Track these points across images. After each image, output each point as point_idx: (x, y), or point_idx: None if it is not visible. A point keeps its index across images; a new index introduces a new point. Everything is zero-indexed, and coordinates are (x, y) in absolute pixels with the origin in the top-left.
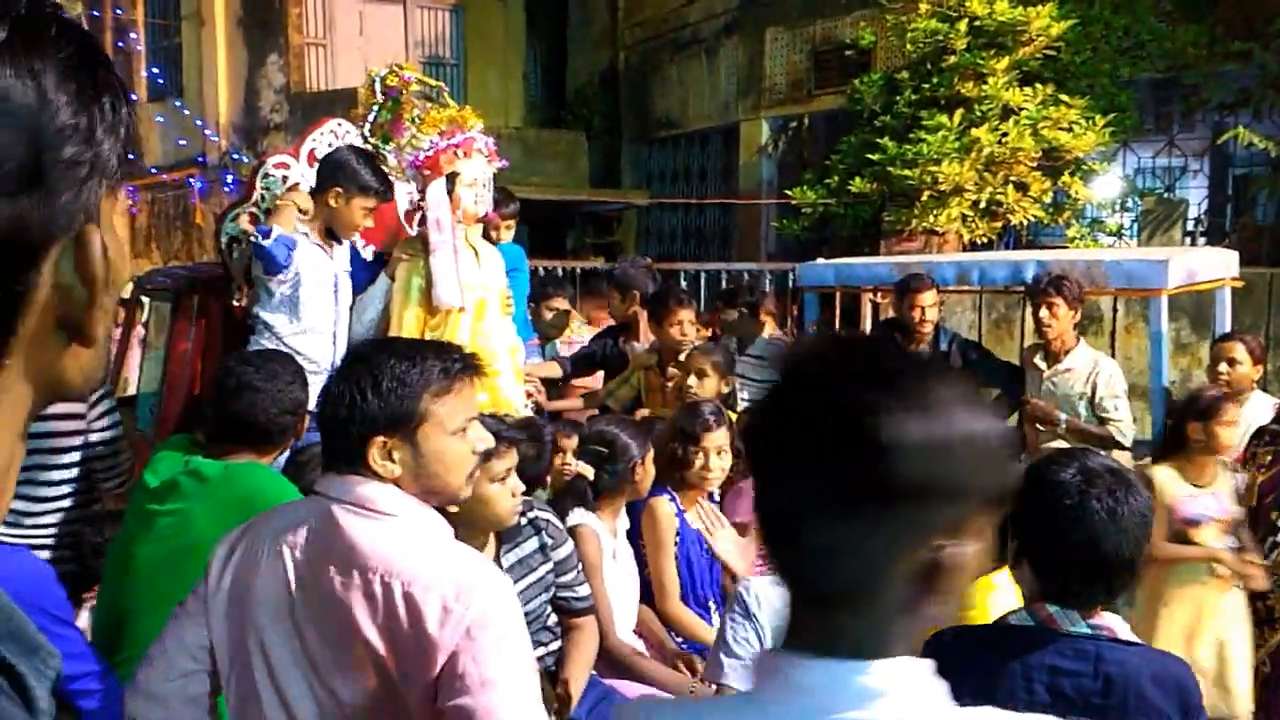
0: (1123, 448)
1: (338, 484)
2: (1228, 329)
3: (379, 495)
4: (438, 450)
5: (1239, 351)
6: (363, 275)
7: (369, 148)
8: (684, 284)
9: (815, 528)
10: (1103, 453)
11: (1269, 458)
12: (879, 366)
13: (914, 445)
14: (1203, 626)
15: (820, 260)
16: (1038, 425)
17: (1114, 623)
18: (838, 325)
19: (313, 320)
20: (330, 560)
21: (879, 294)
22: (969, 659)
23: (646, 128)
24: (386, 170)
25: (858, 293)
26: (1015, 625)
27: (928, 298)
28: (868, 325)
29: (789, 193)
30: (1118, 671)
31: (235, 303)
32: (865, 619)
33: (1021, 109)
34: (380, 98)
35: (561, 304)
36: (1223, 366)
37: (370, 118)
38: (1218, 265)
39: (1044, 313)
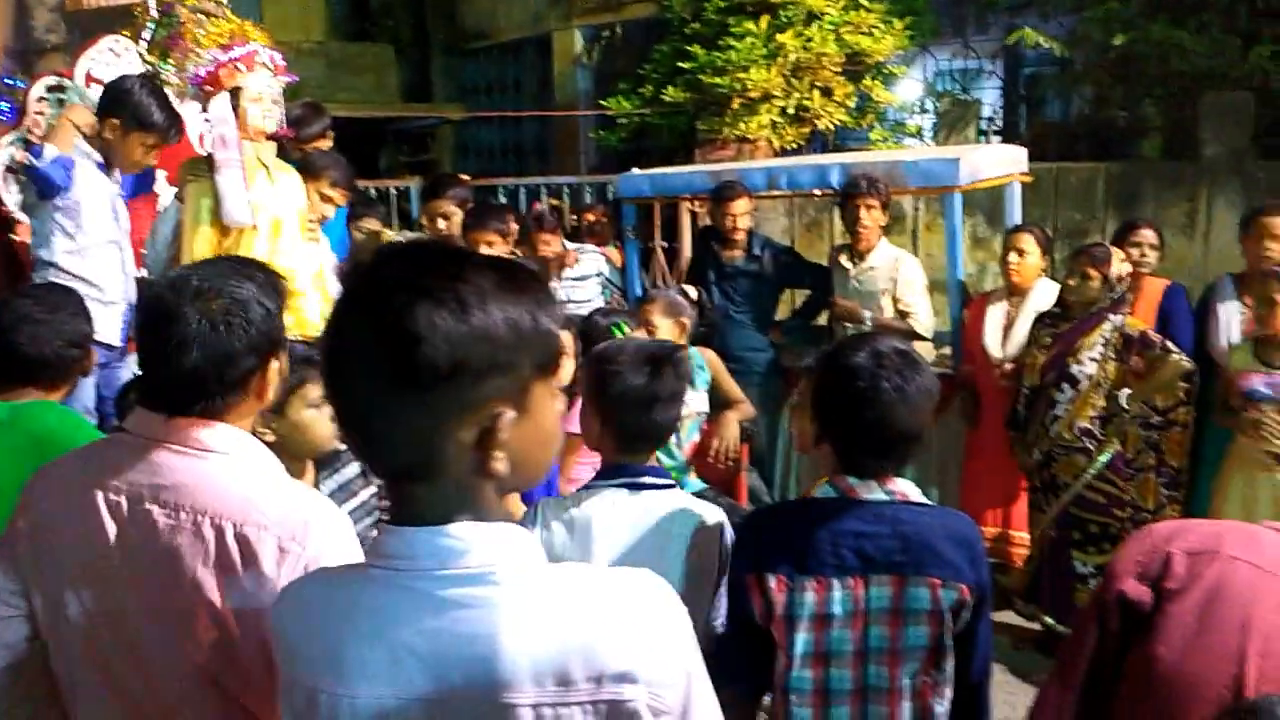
0: (923, 339)
1: (158, 422)
2: (1018, 222)
3: (207, 432)
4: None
5: (1027, 242)
6: None
7: (149, 69)
8: (504, 199)
9: (371, 413)
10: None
11: (1049, 339)
12: (410, 268)
13: (439, 334)
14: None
15: (636, 171)
16: (845, 323)
17: (906, 487)
18: (657, 235)
19: (94, 236)
20: (154, 504)
21: (696, 202)
22: (785, 531)
23: (457, 39)
24: (170, 92)
25: (677, 202)
26: (820, 498)
27: (740, 205)
28: (687, 234)
29: (605, 104)
30: (913, 530)
31: (14, 237)
32: (435, 488)
33: (824, 14)
34: (155, 14)
35: (373, 224)
36: (1012, 257)
37: (146, 35)
38: (1007, 161)
39: (862, 213)
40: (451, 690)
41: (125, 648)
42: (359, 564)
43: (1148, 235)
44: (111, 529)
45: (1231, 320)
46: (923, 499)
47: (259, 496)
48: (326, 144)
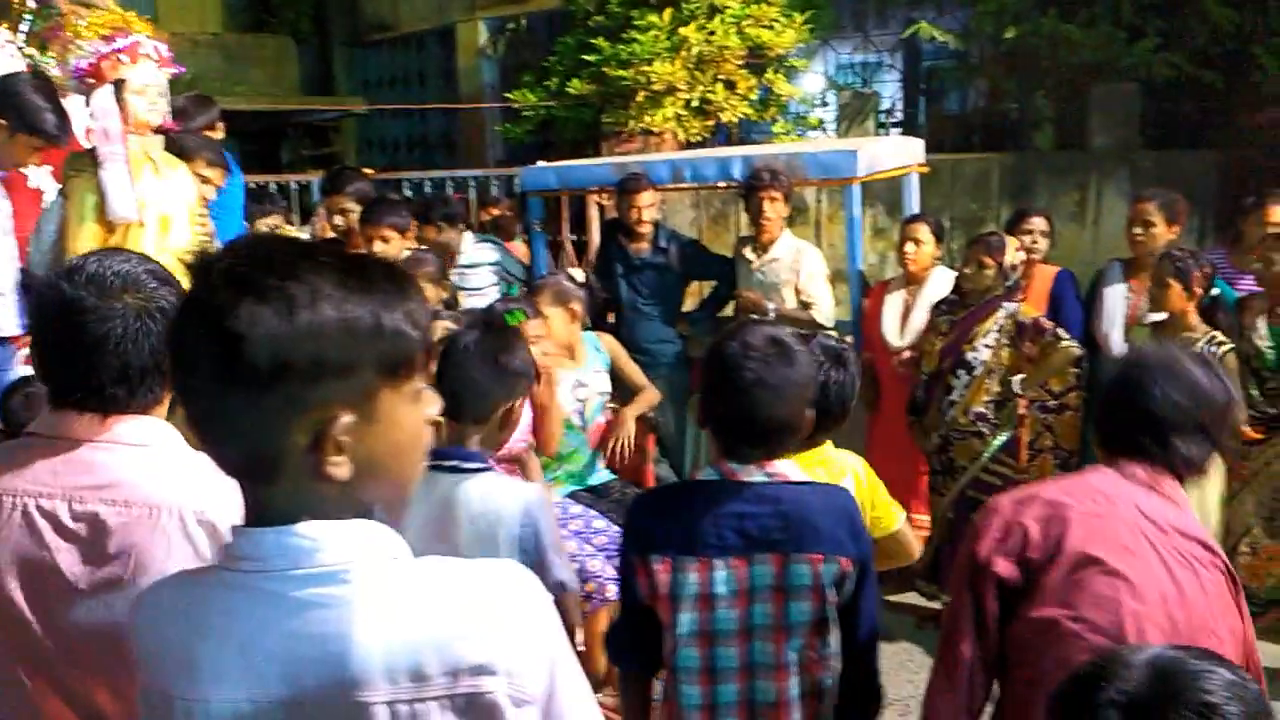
0: (825, 329)
1: (84, 422)
2: (916, 212)
3: (132, 426)
4: None
5: (921, 232)
6: None
7: (29, 62)
8: (409, 194)
9: (209, 412)
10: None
11: (946, 326)
12: (242, 265)
13: (261, 332)
14: None
15: (541, 164)
16: (750, 314)
17: (786, 468)
18: (563, 228)
19: None
20: (101, 504)
21: (604, 195)
22: (670, 514)
23: (359, 30)
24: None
25: (584, 195)
26: (703, 480)
27: (645, 198)
28: (594, 226)
29: (509, 96)
30: (793, 509)
31: None
32: (278, 488)
33: (726, 8)
34: (34, 4)
35: (274, 220)
36: (908, 246)
37: (24, 27)
38: (905, 153)
39: (765, 206)
40: (306, 691)
41: (70, 657)
42: (211, 566)
43: (1038, 223)
44: (51, 540)
45: (1117, 304)
46: (804, 477)
47: (205, 483)
48: (217, 136)
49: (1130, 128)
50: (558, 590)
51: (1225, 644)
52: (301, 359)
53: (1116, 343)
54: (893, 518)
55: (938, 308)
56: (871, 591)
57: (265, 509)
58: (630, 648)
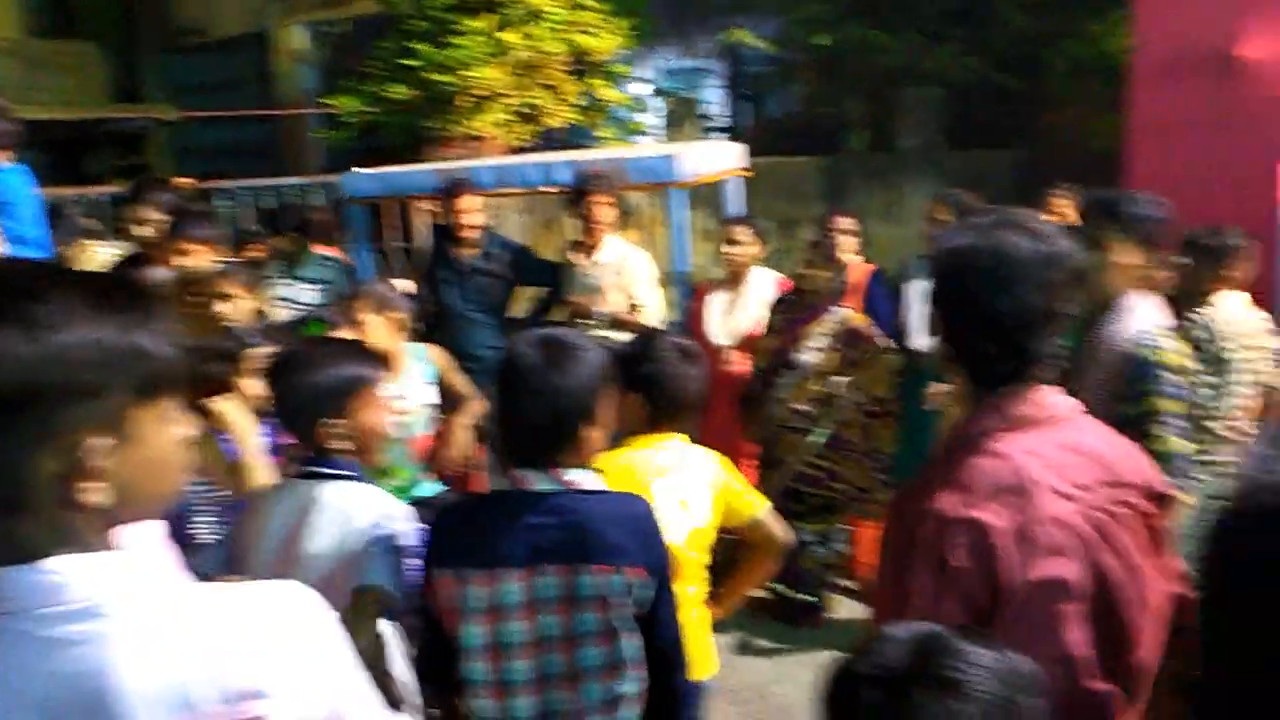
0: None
1: None
2: (740, 214)
3: None
4: None
5: (741, 233)
6: None
7: None
8: (229, 203)
9: None
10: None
11: (780, 325)
12: None
13: (5, 357)
14: None
15: (362, 170)
16: (579, 319)
17: (578, 476)
18: (389, 236)
19: None
20: None
21: (429, 202)
22: (461, 527)
23: (167, 36)
24: None
25: (410, 202)
26: (496, 491)
27: (468, 202)
28: (421, 233)
29: (327, 102)
30: (582, 519)
31: None
32: (26, 521)
33: (547, 13)
34: None
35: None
36: (728, 247)
37: None
38: (727, 157)
39: (592, 210)
40: None
41: None
42: None
43: (844, 223)
44: None
45: (916, 298)
46: (599, 485)
47: None
48: (5, 159)
49: (935, 130)
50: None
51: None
52: (49, 382)
53: (918, 333)
54: (751, 506)
55: (777, 306)
56: (669, 599)
57: (13, 544)
58: (431, 663)
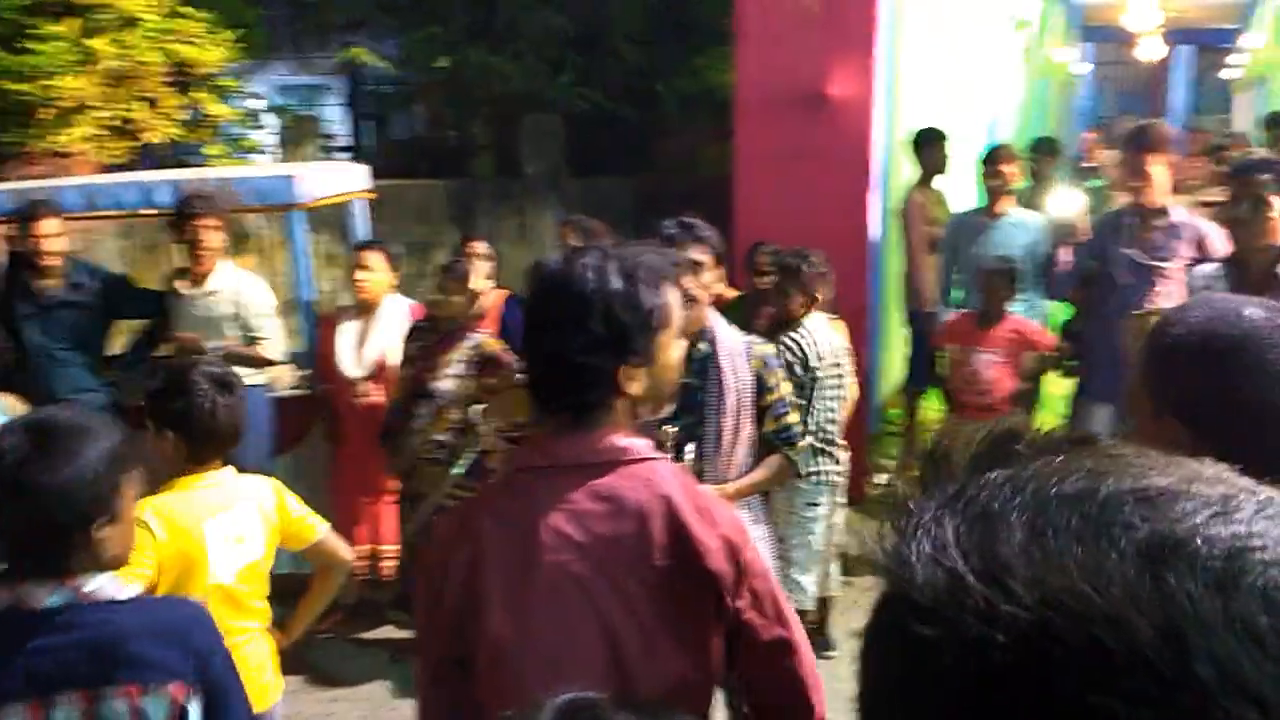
0: (275, 364)
1: None
2: (366, 239)
3: None
4: None
5: (371, 260)
6: None
7: None
8: None
9: None
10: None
11: (415, 354)
12: None
13: None
14: None
15: None
16: (188, 354)
17: (99, 584)
18: None
19: None
20: None
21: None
22: None
23: None
24: None
25: None
26: None
27: (48, 226)
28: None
29: None
30: (101, 635)
31: None
32: None
33: (142, 20)
34: None
35: None
36: (359, 274)
37: None
38: (349, 179)
39: (199, 235)
40: None
41: None
42: None
43: (478, 248)
44: None
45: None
46: (127, 592)
47: None
48: None
49: (557, 156)
50: None
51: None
52: None
53: None
54: (311, 529)
55: (411, 335)
56: (237, 707)
57: None
58: None
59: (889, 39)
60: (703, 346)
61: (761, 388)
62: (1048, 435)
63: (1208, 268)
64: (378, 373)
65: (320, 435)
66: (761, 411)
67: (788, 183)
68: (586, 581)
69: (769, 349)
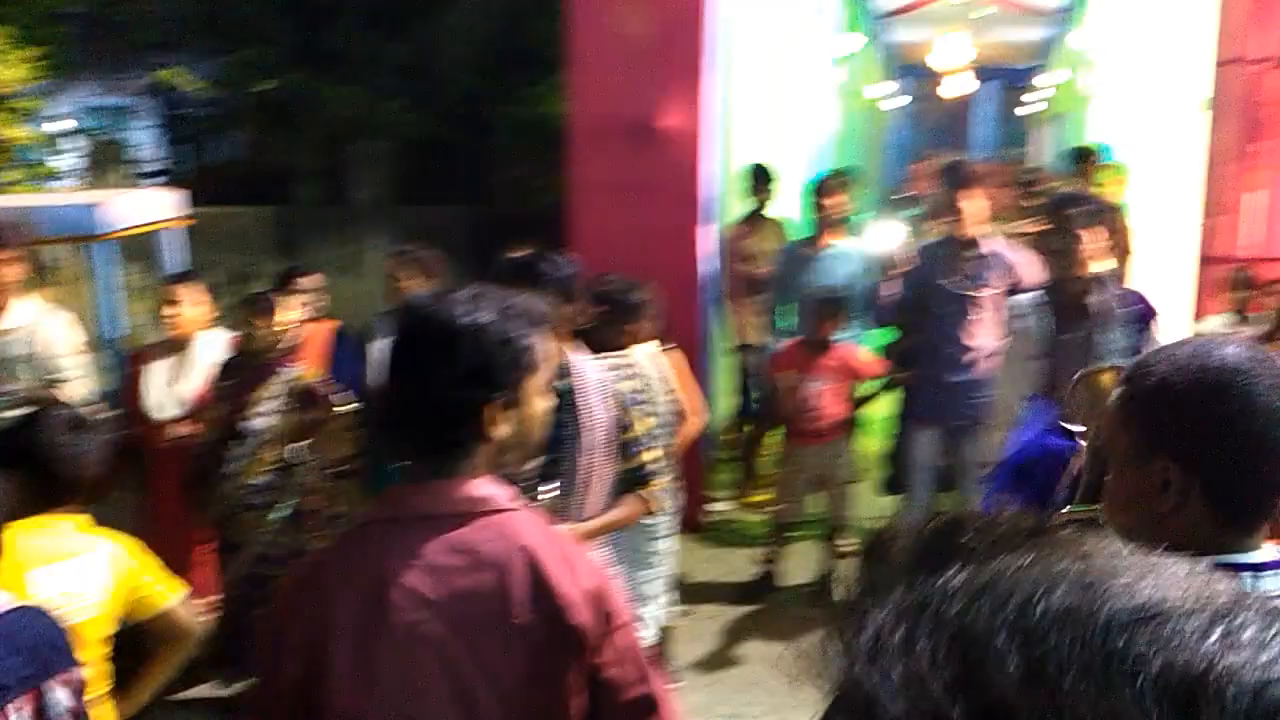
0: (80, 405)
1: None
2: (181, 269)
3: None
4: None
5: (183, 292)
6: None
7: None
8: None
9: None
10: None
11: (224, 392)
12: None
13: None
14: None
15: None
16: None
17: None
18: None
19: None
20: None
21: None
22: None
23: None
24: None
25: None
26: None
27: None
28: None
29: None
30: None
31: None
32: None
33: None
34: None
35: None
36: (169, 308)
37: None
38: (163, 206)
39: None
40: None
41: None
42: None
43: (308, 282)
44: None
45: (382, 357)
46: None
47: None
48: None
49: (388, 184)
50: None
51: None
52: None
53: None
54: (161, 596)
55: (220, 372)
56: None
57: None
58: None
59: (718, 72)
60: (563, 382)
61: (622, 424)
62: (995, 525)
63: (1026, 297)
64: (192, 412)
65: (129, 482)
66: (620, 449)
67: (620, 213)
68: (442, 642)
69: (630, 385)
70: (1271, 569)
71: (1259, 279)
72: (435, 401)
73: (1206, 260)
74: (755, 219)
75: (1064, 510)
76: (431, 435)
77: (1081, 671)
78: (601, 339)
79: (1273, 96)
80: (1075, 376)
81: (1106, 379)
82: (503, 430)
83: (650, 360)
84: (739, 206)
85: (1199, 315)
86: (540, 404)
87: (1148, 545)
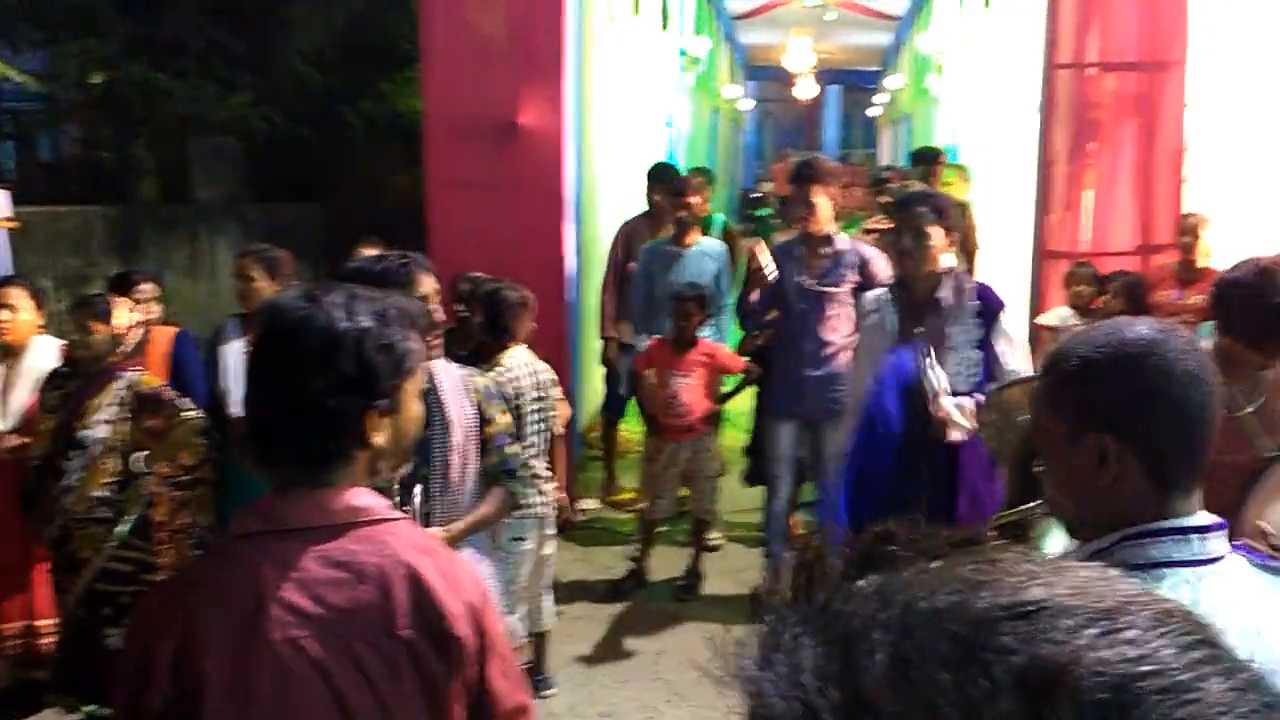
0: None
1: None
2: (7, 274)
3: None
4: None
5: (15, 297)
6: None
7: None
8: None
9: None
10: None
11: (56, 402)
12: None
13: None
14: None
15: None
16: None
17: None
18: None
19: None
20: None
21: None
22: None
23: None
24: None
25: None
26: None
27: None
28: None
29: None
30: None
31: None
32: None
33: None
34: None
35: None
36: (4, 314)
37: None
38: None
39: None
40: None
41: None
42: None
43: (147, 289)
44: None
45: (236, 361)
46: None
47: None
48: None
49: (234, 181)
50: None
51: None
52: None
53: (238, 400)
54: None
55: (50, 381)
56: None
57: None
58: None
59: (576, 70)
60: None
61: (482, 420)
62: (927, 536)
63: (875, 292)
64: (23, 424)
65: None
66: (483, 444)
67: (481, 212)
68: (321, 660)
69: (486, 380)
70: (1217, 530)
71: (1100, 274)
72: (314, 409)
73: (1045, 255)
74: (649, 218)
75: (994, 515)
76: (309, 444)
77: (942, 663)
78: (473, 341)
79: (1102, 99)
80: (985, 392)
81: (1014, 393)
82: (382, 437)
83: (524, 362)
84: (609, 206)
85: (1040, 308)
86: (416, 408)
87: (1096, 523)
